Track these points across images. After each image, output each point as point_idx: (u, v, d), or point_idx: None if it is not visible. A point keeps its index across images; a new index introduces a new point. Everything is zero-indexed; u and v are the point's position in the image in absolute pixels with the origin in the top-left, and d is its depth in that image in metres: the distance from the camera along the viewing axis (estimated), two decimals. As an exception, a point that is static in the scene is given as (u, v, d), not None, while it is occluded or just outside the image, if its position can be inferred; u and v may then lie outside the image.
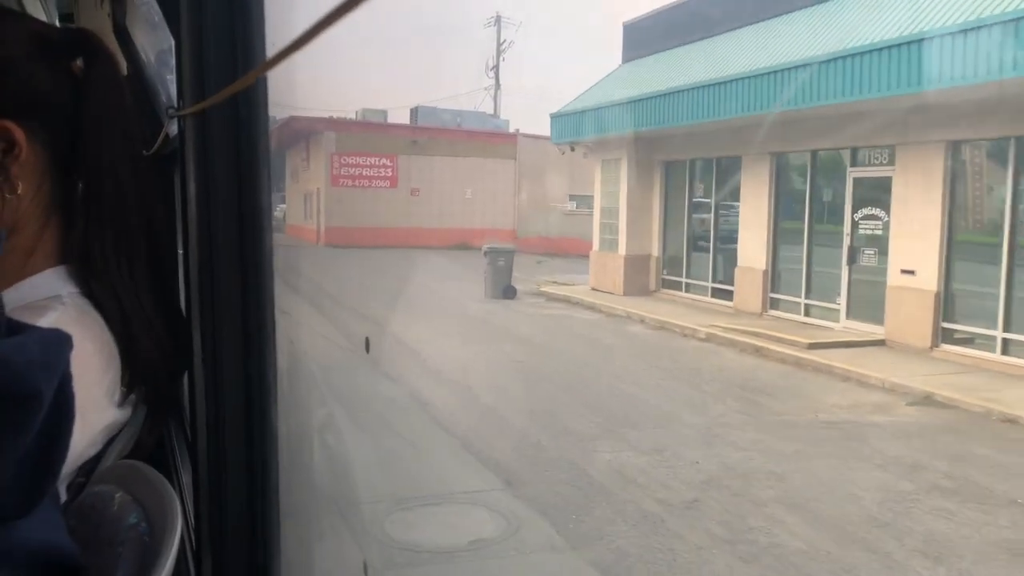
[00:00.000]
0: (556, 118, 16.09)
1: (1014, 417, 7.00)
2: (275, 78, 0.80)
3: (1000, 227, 8.98)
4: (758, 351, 10.06)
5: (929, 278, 9.58)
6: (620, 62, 16.14)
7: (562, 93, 53.50)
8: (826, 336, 10.41)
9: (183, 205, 0.94)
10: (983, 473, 5.58)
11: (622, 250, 15.12)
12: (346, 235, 24.06)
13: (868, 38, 9.45)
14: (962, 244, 9.50)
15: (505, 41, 35.84)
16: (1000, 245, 8.92)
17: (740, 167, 12.76)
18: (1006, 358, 8.75)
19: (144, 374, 0.78)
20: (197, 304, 0.85)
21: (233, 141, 0.81)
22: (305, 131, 25.33)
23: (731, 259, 13.08)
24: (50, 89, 0.77)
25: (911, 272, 9.82)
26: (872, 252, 10.62)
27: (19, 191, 0.75)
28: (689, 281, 14.21)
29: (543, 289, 15.98)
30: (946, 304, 9.51)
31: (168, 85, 1.45)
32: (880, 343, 10.10)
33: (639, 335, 11.60)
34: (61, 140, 0.78)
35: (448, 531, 4.27)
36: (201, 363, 0.85)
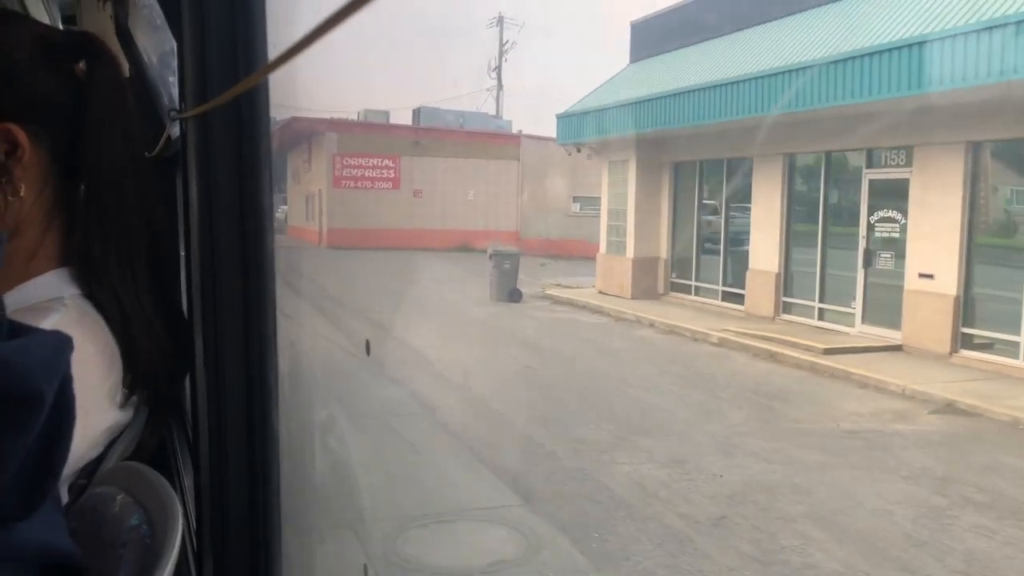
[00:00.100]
0: (562, 118, 15.88)
1: (1042, 426, 6.79)
2: (277, 79, 0.79)
3: (1021, 230, 8.77)
4: (772, 356, 9.85)
5: (948, 282, 9.36)
6: (628, 62, 15.93)
7: (563, 94, 53.35)
8: (841, 341, 10.19)
9: (185, 207, 0.92)
10: (1016, 486, 5.36)
11: (630, 252, 14.90)
12: (348, 237, 23.86)
13: (883, 37, 9.25)
14: (982, 247, 9.28)
15: (507, 42, 35.65)
16: (1022, 248, 8.72)
17: (751, 168, 12.55)
18: (1028, 364, 8.54)
19: (145, 376, 0.78)
20: (199, 306, 0.85)
21: (235, 143, 0.80)
22: (307, 132, 25.13)
23: (742, 262, 12.86)
24: (53, 92, 0.77)
25: (929, 276, 9.60)
26: (888, 255, 10.40)
27: (21, 193, 0.75)
28: (698, 284, 13.99)
29: (548, 292, 15.76)
30: (966, 308, 9.29)
31: (170, 87, 1.46)
32: (897, 348, 9.88)
33: (649, 339, 11.39)
34: (63, 142, 0.78)
35: (465, 551, 4.06)
36: (203, 365, 0.84)
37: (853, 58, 9.42)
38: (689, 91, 12.24)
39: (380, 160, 25.25)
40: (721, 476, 5.34)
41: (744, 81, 11.16)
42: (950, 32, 8.31)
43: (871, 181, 10.66)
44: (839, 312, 11.09)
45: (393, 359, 9.51)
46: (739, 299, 12.82)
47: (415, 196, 25.62)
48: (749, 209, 12.82)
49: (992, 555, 4.19)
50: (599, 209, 19.10)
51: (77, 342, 0.54)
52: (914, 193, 9.89)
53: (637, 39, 15.65)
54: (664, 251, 14.72)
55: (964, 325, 9.29)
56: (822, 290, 11.43)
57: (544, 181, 26.78)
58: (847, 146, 10.85)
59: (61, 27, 2.72)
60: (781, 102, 10.51)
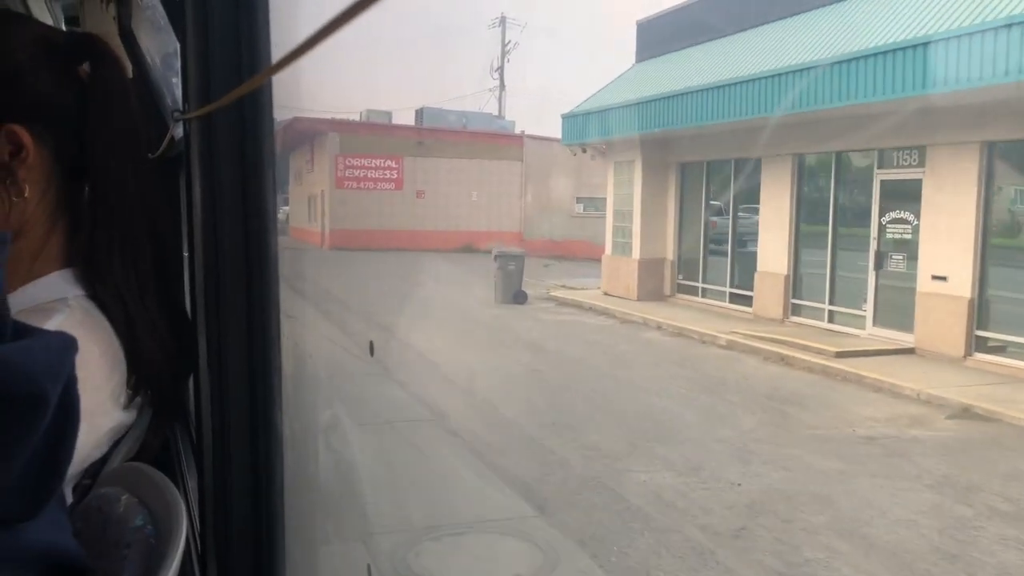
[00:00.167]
0: (567, 119, 15.74)
1: (1063, 432, 6.66)
2: (280, 80, 0.78)
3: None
4: (783, 359, 9.71)
5: (962, 284, 9.23)
6: (633, 62, 15.79)
7: (565, 94, 53.22)
8: (853, 344, 10.05)
9: (188, 208, 0.91)
10: (1041, 495, 5.22)
11: (636, 254, 14.77)
12: (351, 238, 23.75)
13: (895, 36, 9.12)
14: (997, 249, 9.14)
15: (510, 42, 35.51)
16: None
17: (760, 169, 12.40)
18: (1045, 368, 8.41)
19: (149, 376, 0.78)
20: (202, 307, 0.85)
21: (238, 144, 0.80)
22: (309, 133, 25.00)
23: (750, 263, 12.72)
24: (56, 93, 0.77)
25: (943, 278, 9.46)
26: (900, 257, 10.26)
27: (26, 194, 0.75)
28: (705, 286, 13.86)
29: (553, 294, 15.63)
30: (980, 311, 9.15)
31: (173, 88, 1.44)
32: (909, 351, 9.74)
33: (656, 342, 11.25)
34: (67, 144, 0.78)
35: (480, 565, 3.93)
36: (206, 366, 0.85)
37: (864, 57, 9.28)
38: (696, 91, 12.11)
39: (383, 161, 25.12)
40: (739, 485, 5.21)
41: (752, 81, 11.02)
42: (963, 31, 8.18)
43: (882, 182, 10.52)
44: (849, 314, 10.95)
45: (398, 362, 9.39)
46: (747, 301, 12.68)
47: (418, 197, 25.49)
48: (757, 210, 12.68)
49: (1025, 569, 4.06)
50: (603, 210, 18.97)
51: (81, 343, 0.54)
52: (927, 194, 9.75)
53: (643, 39, 15.52)
54: (670, 252, 14.58)
55: (978, 328, 9.15)
56: (832, 292, 11.29)
57: (547, 182, 26.67)
58: (858, 146, 10.71)
59: (64, 28, 2.76)
60: (790, 102, 10.38)
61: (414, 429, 6.55)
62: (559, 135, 16.55)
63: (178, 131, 1.18)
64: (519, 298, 14.37)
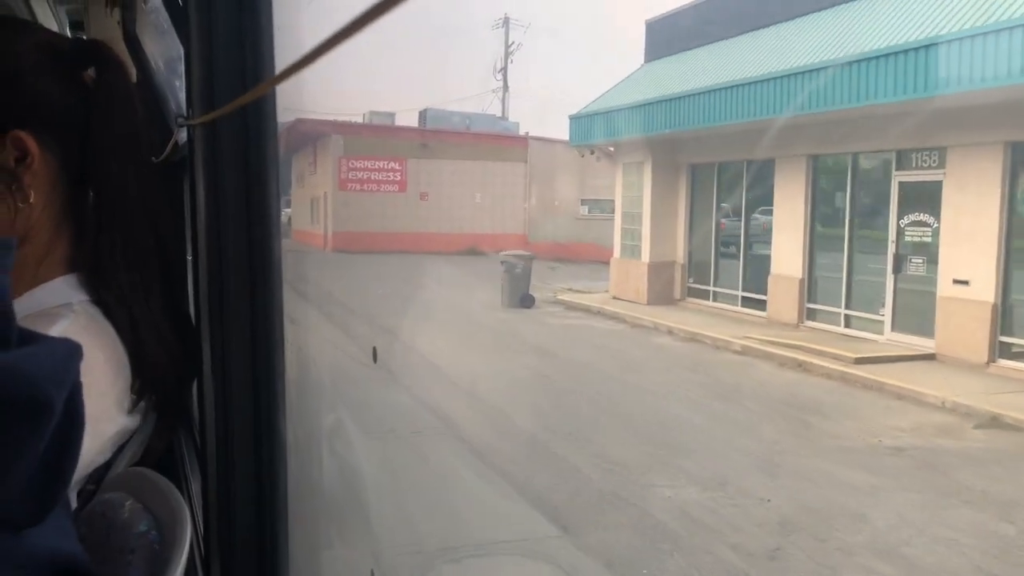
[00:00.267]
0: (575, 120, 15.52)
1: (1099, 443, 6.42)
2: (284, 85, 0.75)
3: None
4: (800, 365, 9.47)
5: (985, 288, 8.99)
6: (642, 62, 15.58)
7: (567, 95, 53.04)
8: (871, 349, 9.81)
9: (192, 213, 0.91)
10: (1084, 511, 4.99)
11: (645, 257, 14.54)
12: (354, 240, 23.54)
13: (914, 34, 8.90)
14: (1022, 252, 8.90)
15: (513, 43, 35.32)
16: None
17: (773, 170, 12.18)
18: (1073, 375, 8.17)
19: (153, 381, 0.78)
20: (206, 312, 0.84)
21: (242, 150, 0.80)
22: (312, 135, 24.81)
23: (763, 267, 12.49)
24: (62, 99, 0.77)
25: (964, 282, 9.22)
26: (920, 260, 10.02)
27: (31, 200, 0.76)
28: (717, 290, 13.62)
29: (561, 297, 15.40)
30: (1004, 316, 8.91)
31: (177, 92, 1.43)
32: (930, 357, 9.50)
33: (669, 347, 11.02)
34: (72, 149, 0.78)
35: (504, 592, 3.70)
36: (210, 372, 0.85)
37: (880, 57, 9.07)
38: (706, 91, 11.89)
39: (386, 163, 24.92)
40: (769, 500, 4.97)
41: (764, 81, 10.81)
42: (984, 29, 7.96)
43: (901, 183, 10.28)
44: (867, 319, 10.71)
45: (405, 368, 9.16)
46: (760, 305, 12.45)
47: (421, 199, 25.28)
48: (770, 212, 12.45)
49: (1081, 594, 3.83)
50: (608, 212, 18.76)
51: (86, 348, 0.54)
52: (947, 196, 9.51)
53: (652, 38, 15.30)
54: (681, 255, 14.35)
55: (1002, 334, 8.91)
56: (848, 296, 11.06)
57: (552, 184, 26.46)
58: (875, 147, 10.49)
59: (69, 33, 2.81)
60: (803, 102, 10.16)
61: (422, 438, 6.33)
62: (562, 136, 16.35)
63: (182, 136, 1.17)
64: (526, 302, 14.14)
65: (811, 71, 10.07)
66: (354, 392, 7.65)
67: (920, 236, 10.03)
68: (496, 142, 26.55)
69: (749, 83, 11.09)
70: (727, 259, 13.52)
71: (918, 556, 4.24)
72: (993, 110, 8.56)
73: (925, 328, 9.76)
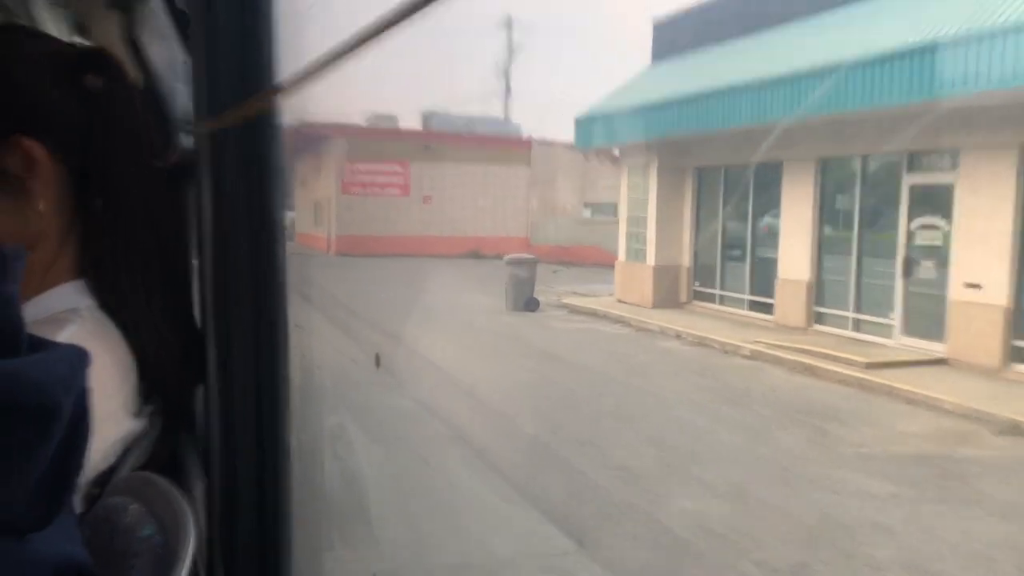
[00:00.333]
0: (580, 122, 15.39)
1: (1122, 451, 6.28)
2: (287, 68, 0.79)
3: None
4: (810, 370, 9.33)
5: (998, 292, 8.85)
6: (649, 63, 15.45)
7: (568, 96, 52.93)
8: (882, 354, 9.67)
9: (197, 219, 0.89)
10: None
11: (650, 260, 14.40)
12: (357, 243, 23.42)
13: (925, 34, 8.77)
14: (1035, 255, 8.77)
15: (515, 46, 35.20)
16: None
17: (780, 173, 12.05)
18: (1090, 380, 8.03)
19: (159, 385, 0.79)
20: (211, 318, 0.84)
21: (247, 158, 0.80)
22: (315, 138, 24.70)
23: (770, 270, 12.35)
24: (68, 107, 0.78)
25: (977, 286, 9.09)
26: (931, 264, 9.88)
27: (39, 208, 0.76)
28: (723, 293, 13.49)
29: (566, 301, 15.26)
30: (1018, 320, 8.78)
31: (180, 95, 1.42)
32: (941, 362, 9.36)
33: (677, 352, 10.88)
34: (78, 156, 0.79)
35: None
36: (215, 376, 0.84)
37: (891, 58, 8.95)
38: (713, 93, 11.77)
39: (389, 166, 24.81)
40: (790, 512, 4.83)
41: (772, 83, 10.69)
42: (998, 29, 7.84)
43: (911, 186, 10.15)
44: (876, 323, 10.57)
45: (409, 372, 9.03)
46: (767, 308, 12.31)
47: (424, 202, 25.17)
48: (777, 215, 12.33)
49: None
50: (611, 215, 18.63)
51: (93, 353, 0.54)
52: (960, 198, 9.38)
53: (659, 39, 15.18)
54: (686, 259, 14.22)
55: (1016, 338, 8.78)
56: (857, 300, 10.92)
57: (554, 186, 26.36)
58: (885, 149, 10.36)
59: (71, 35, 2.84)
60: (812, 104, 10.04)
61: (428, 443, 6.19)
62: (565, 138, 16.24)
63: (186, 140, 1.17)
64: (531, 305, 14.02)
65: (820, 73, 9.94)
66: (357, 396, 7.53)
67: (931, 239, 9.89)
68: (499, 145, 26.44)
69: (756, 85, 10.97)
70: (733, 262, 13.39)
71: (951, 573, 4.10)
72: (1008, 111, 8.44)
73: (936, 332, 9.63)
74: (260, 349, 0.83)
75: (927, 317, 9.86)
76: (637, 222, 14.96)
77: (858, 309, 10.91)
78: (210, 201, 0.82)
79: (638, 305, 14.28)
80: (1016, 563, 4.20)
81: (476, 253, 24.31)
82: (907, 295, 10.21)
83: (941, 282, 9.67)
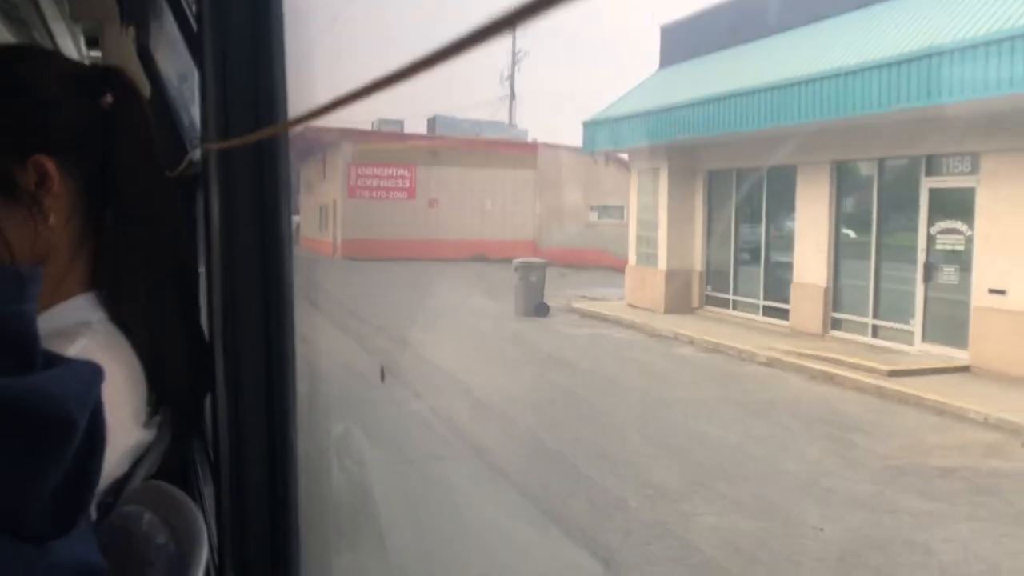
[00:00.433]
0: (588, 126, 15.25)
1: None
2: (295, 94, 0.81)
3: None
4: (830, 378, 9.15)
5: (1023, 298, 8.66)
6: (657, 67, 15.30)
7: (573, 100, 52.85)
8: (903, 362, 9.48)
9: (206, 229, 0.91)
10: None
11: (662, 264, 14.23)
12: (363, 247, 23.30)
13: (944, 37, 8.60)
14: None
15: (520, 51, 35.12)
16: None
17: (795, 176, 11.88)
18: (1120, 389, 7.83)
19: (169, 395, 0.81)
20: (220, 328, 0.86)
21: (255, 174, 0.82)
22: (321, 142, 24.62)
23: (784, 274, 12.17)
24: (80, 124, 0.80)
25: (1001, 292, 8.90)
26: (952, 269, 9.69)
27: (51, 222, 0.77)
28: (736, 298, 13.30)
29: (576, 305, 15.09)
30: (1043, 327, 8.58)
31: (190, 108, 1.44)
32: (964, 369, 9.17)
33: (692, 359, 10.70)
34: (91, 172, 0.81)
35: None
36: (223, 385, 0.86)
37: (910, 60, 8.78)
38: (723, 97, 11.61)
39: (395, 170, 24.70)
40: (822, 530, 4.66)
41: (783, 86, 10.53)
42: (1017, 32, 7.67)
43: (931, 190, 9.97)
44: (896, 329, 10.38)
45: (418, 380, 8.87)
46: (782, 314, 12.13)
47: (431, 206, 25.04)
48: (792, 219, 12.15)
49: None
50: (618, 218, 18.46)
51: (104, 365, 0.56)
52: (982, 202, 9.20)
53: (667, 43, 15.03)
54: (699, 263, 14.04)
55: (1041, 345, 8.59)
56: (876, 305, 10.73)
57: (561, 190, 26.19)
58: (903, 153, 10.19)
59: (84, 49, 2.86)
60: (827, 107, 9.88)
61: (444, 461, 6.03)
62: (571, 142, 16.10)
63: (196, 153, 1.19)
64: (541, 310, 13.85)
65: (833, 76, 9.78)
66: (364, 406, 7.37)
67: (952, 244, 9.71)
68: (505, 149, 26.32)
69: (767, 88, 10.81)
70: (746, 266, 13.21)
71: (993, 595, 3.93)
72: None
73: (958, 339, 9.43)
74: (268, 359, 0.84)
75: (949, 323, 9.67)
76: (647, 226, 14.80)
77: (876, 315, 10.72)
78: (219, 214, 0.83)
79: (649, 310, 14.10)
80: (1066, 587, 4.02)
81: (482, 257, 24.16)
82: (927, 301, 10.02)
83: (963, 287, 9.48)
